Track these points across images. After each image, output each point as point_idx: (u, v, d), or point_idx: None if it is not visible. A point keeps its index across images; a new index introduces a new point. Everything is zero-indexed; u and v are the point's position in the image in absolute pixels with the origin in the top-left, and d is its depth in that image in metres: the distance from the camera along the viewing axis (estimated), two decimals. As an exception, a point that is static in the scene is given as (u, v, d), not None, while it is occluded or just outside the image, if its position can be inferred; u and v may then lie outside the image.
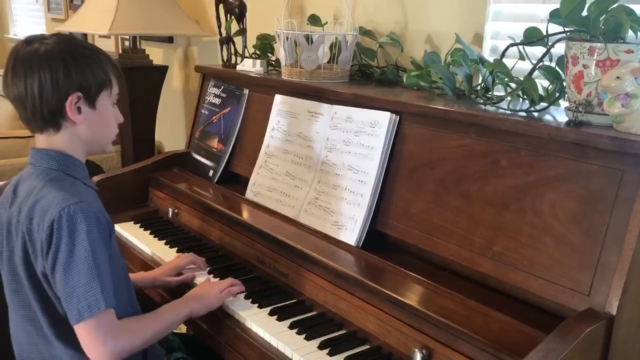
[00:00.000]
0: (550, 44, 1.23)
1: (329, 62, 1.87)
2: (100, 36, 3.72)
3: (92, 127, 1.24)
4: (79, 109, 1.21)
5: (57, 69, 1.18)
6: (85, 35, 3.96)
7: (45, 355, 1.23)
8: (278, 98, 1.79)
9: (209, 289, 1.41)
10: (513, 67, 1.40)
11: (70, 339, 1.18)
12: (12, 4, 5.39)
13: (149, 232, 1.86)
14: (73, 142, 1.24)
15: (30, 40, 1.22)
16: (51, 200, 1.15)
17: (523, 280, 1.17)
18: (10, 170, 2.67)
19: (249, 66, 2.00)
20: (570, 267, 1.10)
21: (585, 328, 0.99)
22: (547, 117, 1.28)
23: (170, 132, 3.26)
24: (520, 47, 1.35)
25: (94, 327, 1.13)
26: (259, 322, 1.33)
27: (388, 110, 1.46)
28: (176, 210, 1.92)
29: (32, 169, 1.24)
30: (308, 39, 1.80)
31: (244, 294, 1.44)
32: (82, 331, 1.14)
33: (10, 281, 1.24)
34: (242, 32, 2.09)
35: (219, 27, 2.16)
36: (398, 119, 1.45)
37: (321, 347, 1.24)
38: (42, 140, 1.24)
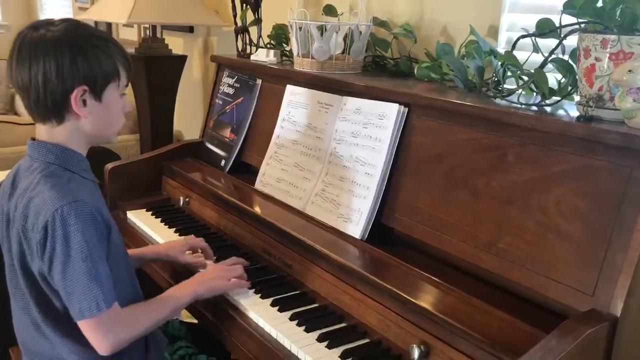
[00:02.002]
0: (562, 35, 1.19)
1: (342, 52, 1.85)
2: (124, 25, 3.76)
3: (96, 120, 1.22)
4: (84, 102, 1.18)
5: (63, 59, 1.14)
6: (109, 24, 4.01)
7: (42, 344, 1.24)
8: (289, 88, 1.78)
9: (217, 273, 1.40)
10: (527, 60, 1.36)
11: (65, 333, 1.20)
12: (42, -7, 5.48)
13: (159, 219, 1.88)
14: (75, 135, 1.21)
15: (36, 25, 1.18)
16: (44, 200, 1.13)
17: (526, 278, 1.14)
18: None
19: (263, 56, 1.99)
20: (575, 266, 1.07)
21: (587, 329, 0.96)
22: (559, 112, 1.25)
23: (191, 121, 3.28)
24: (534, 39, 1.31)
25: (95, 324, 1.14)
26: (259, 312, 1.33)
27: (397, 102, 1.44)
28: (187, 199, 1.93)
29: (30, 162, 1.21)
30: (322, 29, 1.78)
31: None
32: (84, 326, 1.16)
33: (10, 273, 1.26)
34: (257, 21, 2.09)
35: (235, 16, 2.16)
36: (407, 111, 1.43)
37: (320, 339, 1.23)
38: (44, 131, 1.22)
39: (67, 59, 1.14)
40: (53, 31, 1.16)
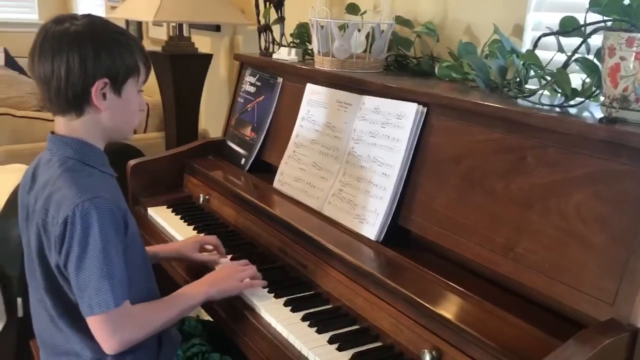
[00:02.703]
0: (586, 34, 1.15)
1: (364, 51, 1.83)
2: (153, 24, 3.80)
3: (115, 115, 1.23)
4: (104, 95, 1.19)
5: (87, 52, 1.16)
6: (139, 23, 4.07)
7: (57, 337, 1.25)
8: (309, 87, 1.77)
9: (230, 273, 1.39)
10: (551, 59, 1.32)
11: (79, 327, 1.20)
12: (77, -7, 5.58)
13: (179, 217, 1.88)
14: (93, 129, 1.23)
15: (60, 20, 1.20)
16: (65, 194, 1.14)
17: (543, 285, 1.10)
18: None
19: (285, 55, 1.98)
20: (595, 274, 1.03)
21: (604, 340, 0.92)
22: (583, 113, 1.20)
23: (217, 120, 3.29)
24: (557, 38, 1.26)
25: (104, 321, 1.15)
26: (272, 312, 1.32)
27: (416, 102, 1.41)
28: (207, 197, 1.93)
29: (50, 155, 1.23)
30: (343, 27, 1.77)
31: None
32: (93, 323, 1.16)
33: (28, 265, 1.27)
34: (280, 20, 2.08)
35: (258, 14, 2.16)
36: (425, 110, 1.40)
37: (331, 341, 1.21)
38: (62, 124, 1.23)
39: (91, 52, 1.16)
40: (77, 25, 1.18)
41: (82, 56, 1.15)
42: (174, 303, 1.28)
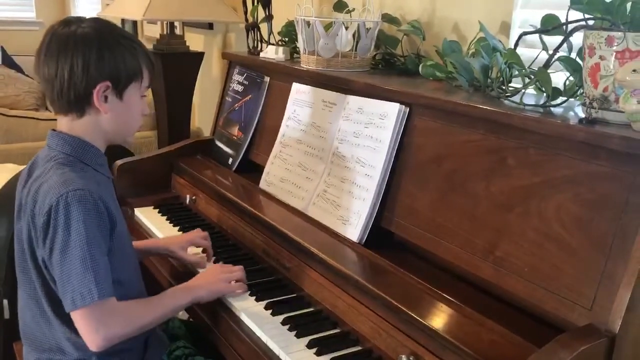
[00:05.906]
0: (567, 32, 1.13)
1: (351, 50, 1.80)
2: (148, 22, 3.78)
3: (115, 118, 1.25)
4: (105, 98, 1.21)
5: (90, 55, 1.18)
6: (135, 21, 4.05)
7: (45, 332, 1.25)
8: (295, 87, 1.75)
9: (218, 275, 1.38)
10: (536, 58, 1.30)
11: (68, 320, 1.19)
12: (74, -10, 5.57)
13: (165, 217, 1.87)
14: (94, 130, 1.24)
15: (68, 22, 1.23)
16: (52, 185, 1.15)
17: (523, 289, 1.08)
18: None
19: (272, 53, 1.96)
20: (573, 278, 1.01)
21: (580, 346, 0.91)
22: (565, 113, 1.18)
23: (211, 118, 3.27)
24: (541, 36, 1.24)
25: (87, 315, 1.14)
26: (252, 316, 1.30)
27: (398, 102, 1.39)
28: (194, 197, 1.92)
29: (49, 151, 1.24)
30: (330, 26, 1.74)
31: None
32: (77, 318, 1.15)
33: (19, 259, 1.27)
34: (268, 18, 2.06)
35: (245, 13, 2.13)
36: (408, 111, 1.38)
37: (310, 345, 1.19)
38: (64, 123, 1.25)
39: (94, 54, 1.18)
40: (83, 28, 1.21)
41: (85, 59, 1.17)
42: (162, 302, 1.27)
